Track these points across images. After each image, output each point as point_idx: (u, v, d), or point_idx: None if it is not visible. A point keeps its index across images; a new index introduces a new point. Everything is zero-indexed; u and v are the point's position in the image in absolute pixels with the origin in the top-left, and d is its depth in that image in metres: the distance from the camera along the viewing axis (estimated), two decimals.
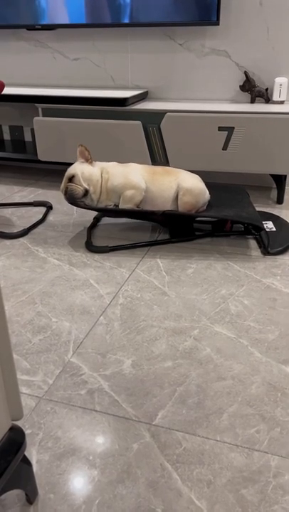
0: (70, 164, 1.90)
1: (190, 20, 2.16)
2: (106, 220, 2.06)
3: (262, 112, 2.04)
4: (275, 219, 1.97)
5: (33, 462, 0.92)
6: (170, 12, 2.17)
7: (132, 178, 1.77)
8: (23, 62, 2.63)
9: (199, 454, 0.93)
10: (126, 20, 2.25)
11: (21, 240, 1.88)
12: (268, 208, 2.18)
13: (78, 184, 1.76)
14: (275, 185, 2.44)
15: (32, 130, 2.70)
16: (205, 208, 1.84)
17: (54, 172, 2.75)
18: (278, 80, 2.18)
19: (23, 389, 1.10)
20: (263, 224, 1.73)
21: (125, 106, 2.18)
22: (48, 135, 2.34)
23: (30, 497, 0.84)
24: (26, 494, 0.84)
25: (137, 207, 1.80)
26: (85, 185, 1.77)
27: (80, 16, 2.31)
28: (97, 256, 1.74)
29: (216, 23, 2.14)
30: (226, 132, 2.09)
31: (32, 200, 2.29)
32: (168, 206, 1.81)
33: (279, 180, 2.21)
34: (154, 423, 1.00)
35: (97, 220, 2.03)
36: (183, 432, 0.98)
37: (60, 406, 1.05)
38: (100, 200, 1.82)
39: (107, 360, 1.19)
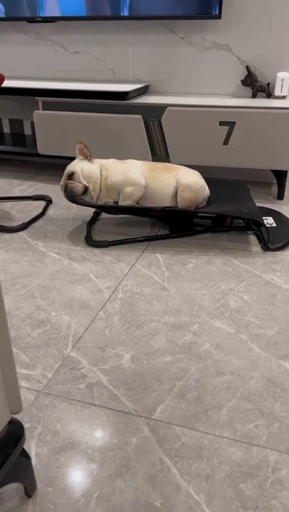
0: (70, 158, 1.89)
1: (192, 13, 2.15)
2: (105, 214, 2.05)
3: (263, 107, 2.03)
4: (276, 214, 1.97)
5: (32, 456, 0.92)
6: (171, 5, 2.16)
7: (132, 174, 1.77)
8: (23, 55, 2.61)
9: (198, 448, 0.93)
10: (127, 13, 2.23)
11: (21, 233, 1.87)
12: (269, 204, 2.17)
13: (78, 181, 1.76)
14: (275, 181, 2.43)
15: (32, 123, 2.69)
16: (205, 203, 1.84)
17: (54, 166, 2.74)
18: (280, 74, 2.17)
19: (22, 383, 1.10)
20: (263, 219, 1.73)
21: (126, 100, 2.17)
22: (47, 128, 2.33)
23: (29, 490, 0.84)
24: (25, 487, 0.84)
25: (137, 203, 1.80)
26: (85, 183, 1.76)
27: (80, 8, 2.29)
28: (96, 250, 1.73)
29: (218, 16, 2.12)
30: (227, 127, 2.08)
31: (31, 194, 2.28)
32: (167, 202, 1.80)
33: (280, 175, 2.20)
34: (153, 417, 1.00)
35: (96, 214, 2.02)
36: (182, 427, 0.98)
37: (59, 400, 1.05)
38: (99, 198, 1.81)
39: (106, 355, 1.19)
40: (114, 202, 1.82)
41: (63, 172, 1.81)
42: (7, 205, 2.16)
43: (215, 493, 0.85)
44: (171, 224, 1.90)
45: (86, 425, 0.99)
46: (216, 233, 1.87)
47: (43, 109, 2.31)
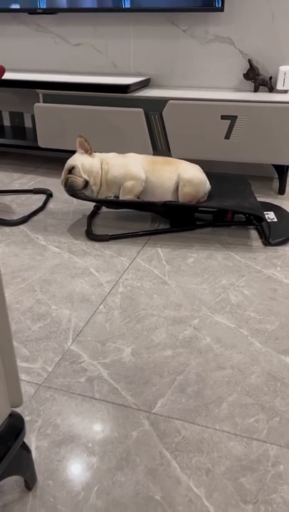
0: (71, 152, 1.88)
1: (194, 5, 2.13)
2: (106, 208, 2.04)
3: (265, 101, 2.02)
4: (277, 209, 1.96)
5: (32, 449, 0.92)
6: None
7: (132, 168, 1.76)
8: (24, 47, 2.59)
9: (198, 442, 0.93)
10: (128, 5, 2.21)
11: (21, 227, 1.87)
12: (270, 199, 2.16)
13: (78, 176, 1.75)
14: (276, 176, 2.42)
15: (32, 116, 2.67)
16: (206, 198, 1.83)
17: (54, 159, 2.73)
18: (282, 68, 2.15)
19: (22, 376, 1.10)
20: (264, 214, 1.72)
21: (127, 93, 2.15)
22: (48, 121, 2.31)
23: (29, 483, 0.84)
24: (25, 480, 0.84)
25: (137, 198, 1.79)
26: (85, 177, 1.75)
27: (81, 0, 2.27)
28: (97, 244, 1.73)
29: (220, 9, 2.10)
30: (229, 121, 2.07)
31: (32, 188, 2.27)
32: (168, 197, 1.79)
33: (281, 170, 2.19)
34: (153, 411, 1.00)
35: (97, 208, 2.01)
36: (182, 421, 0.98)
37: (59, 393, 1.05)
38: (100, 192, 1.80)
39: (106, 349, 1.19)
40: (114, 196, 1.81)
41: (64, 166, 1.80)
42: (7, 199, 2.15)
43: (215, 486, 0.85)
44: (172, 218, 1.89)
45: (86, 419, 0.99)
46: (216, 228, 1.86)
47: (44, 102, 2.30)
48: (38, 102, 2.33)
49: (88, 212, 1.99)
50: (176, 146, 2.18)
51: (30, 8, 2.37)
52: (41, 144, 2.38)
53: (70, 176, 1.76)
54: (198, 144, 2.15)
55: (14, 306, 1.36)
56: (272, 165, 2.22)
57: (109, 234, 1.77)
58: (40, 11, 2.35)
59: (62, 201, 2.13)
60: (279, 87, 2.19)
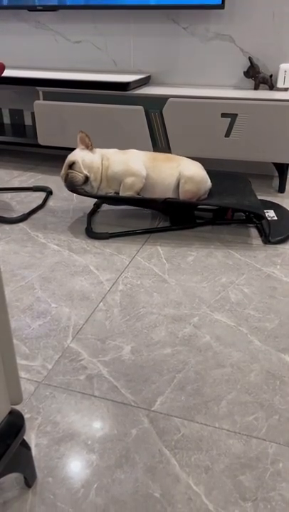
0: (71, 149, 1.88)
1: (194, 3, 2.12)
2: (106, 206, 2.04)
3: (266, 99, 2.01)
4: (277, 208, 1.96)
5: (32, 446, 0.92)
6: None
7: (133, 165, 1.75)
8: (24, 44, 2.59)
9: (198, 440, 0.93)
10: (129, 2, 2.21)
11: (21, 225, 1.87)
12: (270, 197, 2.16)
13: (79, 171, 1.75)
14: (277, 174, 2.42)
15: (32, 114, 2.67)
16: (206, 195, 1.83)
17: (54, 157, 2.72)
18: (283, 66, 2.15)
19: (22, 373, 1.10)
20: (264, 212, 1.72)
21: (127, 90, 2.15)
22: (48, 119, 2.31)
23: (29, 480, 0.84)
24: (25, 478, 0.84)
25: (138, 194, 1.79)
26: (86, 173, 1.75)
27: None
28: (97, 242, 1.73)
29: (221, 6, 2.10)
30: (229, 119, 2.07)
31: (32, 185, 2.27)
32: (169, 194, 1.79)
33: (281, 168, 2.19)
34: (152, 409, 1.00)
35: (97, 206, 2.01)
36: (181, 419, 0.98)
37: (59, 391, 1.05)
38: (100, 188, 1.80)
39: (106, 346, 1.19)
40: (115, 192, 1.81)
41: (64, 163, 1.80)
42: (7, 196, 2.15)
43: (214, 484, 0.85)
44: (172, 216, 1.89)
45: (86, 416, 0.99)
46: (216, 226, 1.86)
47: (44, 100, 2.30)
48: (38, 99, 2.32)
49: (88, 210, 1.99)
50: (176, 144, 2.18)
51: (30, 5, 2.36)
52: (41, 141, 2.38)
53: (70, 171, 1.75)
54: (199, 142, 2.15)
55: (14, 304, 1.36)
56: (273, 163, 2.22)
57: (109, 232, 1.77)
58: (40, 8, 2.35)
59: (62, 199, 2.13)
60: (279, 85, 2.18)
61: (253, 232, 1.81)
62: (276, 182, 2.36)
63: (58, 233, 1.80)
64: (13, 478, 0.86)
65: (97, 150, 1.81)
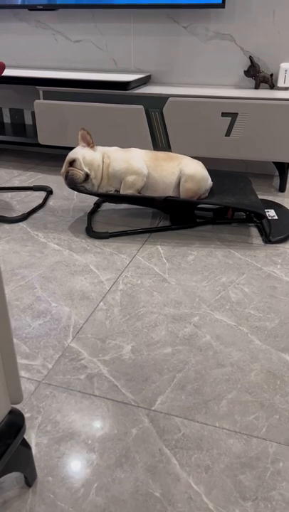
0: (71, 148, 1.88)
1: (195, 2, 2.12)
2: (106, 205, 2.04)
3: (266, 98, 2.01)
4: (277, 207, 1.96)
5: (32, 445, 0.92)
6: None
7: (134, 163, 1.75)
8: (24, 44, 2.59)
9: (198, 439, 0.93)
10: (129, 2, 2.20)
11: (21, 224, 1.87)
12: (270, 196, 2.16)
13: (79, 169, 1.74)
14: (277, 173, 2.42)
15: (32, 113, 2.67)
16: (207, 194, 1.83)
17: (54, 156, 2.72)
18: (283, 65, 2.15)
19: (22, 373, 1.10)
20: (264, 212, 1.72)
21: (127, 90, 2.15)
22: (48, 118, 2.31)
23: (29, 480, 0.84)
24: (25, 477, 0.84)
25: (139, 193, 1.79)
26: (86, 170, 1.75)
27: None
28: (97, 242, 1.73)
29: (221, 5, 2.09)
30: (230, 118, 2.07)
31: (32, 185, 2.27)
32: (170, 192, 1.79)
33: (282, 168, 2.19)
34: (153, 408, 1.00)
35: (97, 205, 2.01)
36: (182, 418, 0.98)
37: (59, 390, 1.05)
38: (100, 186, 1.80)
39: (106, 346, 1.19)
40: (115, 190, 1.81)
41: (64, 162, 1.80)
42: (7, 196, 2.15)
43: (214, 483, 0.85)
44: (173, 215, 1.89)
45: (86, 416, 0.99)
46: (217, 225, 1.86)
47: (44, 99, 2.29)
48: (39, 98, 2.32)
49: (88, 210, 1.99)
50: (176, 143, 2.18)
51: (30, 4, 2.36)
52: (41, 140, 2.38)
53: (70, 168, 1.75)
54: (199, 142, 2.15)
55: (14, 303, 1.36)
56: (273, 162, 2.22)
57: (110, 231, 1.77)
58: (41, 7, 2.35)
59: (62, 198, 2.13)
60: (280, 84, 2.18)
61: (254, 231, 1.81)
62: (277, 181, 2.36)
63: (58, 232, 1.79)
64: (14, 477, 0.86)
65: (99, 148, 1.81)
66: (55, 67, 2.59)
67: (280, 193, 2.21)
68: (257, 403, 1.02)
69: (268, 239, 1.71)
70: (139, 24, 2.34)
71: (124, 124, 2.20)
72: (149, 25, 2.33)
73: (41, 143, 2.39)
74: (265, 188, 2.27)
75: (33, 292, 1.42)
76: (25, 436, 0.87)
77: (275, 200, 2.09)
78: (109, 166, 1.77)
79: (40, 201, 2.08)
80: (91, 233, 1.76)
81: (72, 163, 1.75)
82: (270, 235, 1.72)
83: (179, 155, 1.84)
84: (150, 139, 2.20)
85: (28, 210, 1.97)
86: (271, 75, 2.21)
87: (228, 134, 2.10)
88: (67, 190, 2.20)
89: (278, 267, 1.56)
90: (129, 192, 1.77)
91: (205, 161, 2.39)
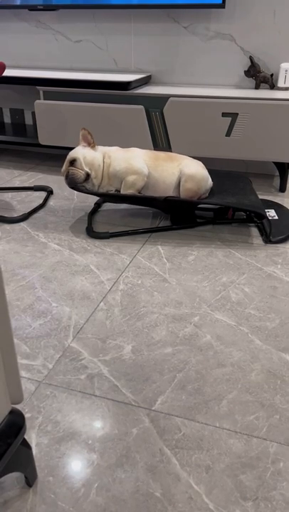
0: (71, 148, 1.88)
1: (195, 2, 2.12)
2: (107, 205, 2.04)
3: (266, 98, 2.01)
4: (278, 207, 1.96)
5: (33, 445, 0.92)
6: None
7: (134, 163, 1.75)
8: (25, 44, 2.59)
9: (198, 439, 0.93)
10: (129, 2, 2.20)
11: (21, 224, 1.87)
12: (271, 196, 2.16)
13: (80, 168, 1.74)
14: (277, 173, 2.42)
15: (33, 113, 2.67)
16: (207, 194, 1.83)
17: (55, 156, 2.72)
18: (284, 65, 2.15)
19: (22, 373, 1.10)
20: (265, 212, 1.72)
21: (128, 90, 2.15)
22: (49, 118, 2.31)
23: (30, 480, 0.84)
24: (26, 477, 0.84)
25: (139, 193, 1.79)
26: (87, 170, 1.75)
27: None
28: (97, 242, 1.73)
29: (222, 5, 2.09)
30: (230, 118, 2.07)
31: (32, 185, 2.27)
32: (170, 192, 1.79)
33: (282, 168, 2.19)
34: (153, 408, 1.00)
35: (98, 205, 2.01)
36: (182, 418, 0.98)
37: (59, 390, 1.05)
38: (101, 185, 1.80)
39: (107, 346, 1.19)
40: (116, 190, 1.81)
41: (64, 162, 1.80)
42: (8, 196, 2.15)
43: (215, 483, 0.85)
44: (173, 215, 1.89)
45: (86, 416, 0.99)
46: (217, 225, 1.86)
47: (45, 99, 2.30)
48: (39, 98, 2.33)
49: (89, 210, 1.99)
50: (176, 143, 2.18)
51: (30, 4, 2.36)
52: (42, 141, 2.38)
53: (71, 168, 1.75)
54: (199, 142, 2.15)
55: (15, 303, 1.36)
56: (273, 162, 2.22)
57: (110, 231, 1.77)
58: (41, 7, 2.35)
59: (62, 198, 2.13)
60: (280, 84, 2.18)
61: (254, 231, 1.81)
62: (277, 181, 2.36)
63: (58, 233, 1.80)
64: (14, 477, 0.86)
65: (99, 147, 1.81)
66: (56, 68, 2.60)
67: (281, 193, 2.21)
68: (257, 403, 1.02)
69: (268, 239, 1.71)
70: (140, 24, 2.34)
71: (124, 124, 2.20)
72: (149, 25, 2.33)
73: (41, 143, 2.39)
74: (266, 188, 2.27)
75: (34, 292, 1.42)
76: (26, 436, 0.87)
77: (276, 200, 2.09)
78: (109, 165, 1.77)
79: (41, 201, 2.08)
80: (91, 233, 1.76)
81: (72, 162, 1.75)
82: (271, 235, 1.72)
83: (180, 155, 1.84)
84: (150, 139, 2.20)
85: (29, 210, 1.97)
86: (271, 75, 2.21)
87: (228, 134, 2.10)
88: (68, 191, 2.21)
89: (279, 267, 1.56)
90: (130, 192, 1.77)
91: (205, 161, 2.39)
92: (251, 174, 2.46)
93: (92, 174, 1.76)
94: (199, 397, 1.03)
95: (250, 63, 2.24)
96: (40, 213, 1.97)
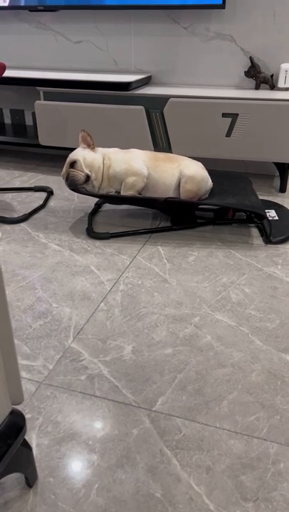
0: (72, 149, 1.88)
1: (195, 3, 2.12)
2: (107, 206, 2.04)
3: (267, 99, 2.01)
4: (278, 208, 1.96)
5: (33, 446, 0.92)
6: None
7: (134, 164, 1.75)
8: (25, 45, 2.59)
9: (199, 440, 0.93)
10: (129, 2, 2.20)
11: (22, 225, 1.87)
12: (271, 197, 2.16)
13: (80, 170, 1.74)
14: (278, 174, 2.42)
15: (33, 114, 2.67)
16: (207, 195, 1.83)
17: (55, 157, 2.72)
18: (284, 66, 2.15)
19: (23, 374, 1.11)
20: (265, 212, 1.72)
21: (128, 90, 2.15)
22: (49, 119, 2.31)
23: (30, 480, 0.84)
24: (26, 478, 0.84)
25: (139, 194, 1.79)
26: (87, 172, 1.75)
27: None
28: (98, 242, 1.73)
29: (222, 6, 2.10)
30: (230, 119, 2.07)
31: (33, 185, 2.27)
32: (170, 193, 1.79)
33: (282, 168, 2.19)
34: (153, 409, 1.00)
35: (98, 206, 2.01)
36: (182, 419, 0.98)
37: (60, 391, 1.05)
38: (101, 187, 1.80)
39: (107, 346, 1.19)
40: (116, 192, 1.81)
41: (64, 163, 1.80)
42: (8, 196, 2.15)
43: (215, 484, 0.85)
44: (173, 216, 1.89)
45: (87, 416, 0.99)
46: (217, 226, 1.86)
47: (45, 100, 2.30)
48: (39, 99, 2.33)
49: (89, 210, 1.99)
50: (177, 143, 2.18)
51: (30, 5, 2.36)
52: (42, 141, 2.38)
53: (71, 170, 1.75)
54: (199, 142, 2.15)
55: (15, 304, 1.36)
56: (274, 163, 2.22)
57: (110, 232, 1.77)
58: (41, 8, 2.35)
59: (63, 199, 2.13)
60: (280, 84, 2.18)
61: (254, 232, 1.81)
62: (277, 182, 2.36)
63: (58, 233, 1.80)
64: (14, 478, 0.86)
65: (99, 149, 1.81)
66: (56, 68, 2.60)
67: (281, 194, 2.21)
68: (258, 404, 1.02)
69: (268, 239, 1.71)
70: (140, 25, 2.34)
71: (124, 124, 2.20)
72: (149, 25, 2.33)
73: (42, 143, 2.39)
74: (266, 189, 2.27)
75: (34, 293, 1.42)
76: (26, 437, 0.87)
77: (276, 201, 2.09)
78: (109, 167, 1.77)
79: (41, 202, 2.08)
80: (92, 234, 1.76)
81: (72, 164, 1.75)
82: (271, 235, 1.72)
83: (179, 156, 1.84)
84: (151, 139, 2.20)
85: (29, 210, 1.97)
86: (272, 75, 2.21)
87: (228, 134, 2.10)
88: (68, 191, 2.21)
89: (279, 267, 1.56)
90: (130, 193, 1.77)
91: (205, 161, 2.39)
92: (251, 175, 2.46)
93: (92, 176, 1.76)
94: (200, 397, 1.03)
95: (250, 64, 2.24)
96: (41, 214, 1.97)
